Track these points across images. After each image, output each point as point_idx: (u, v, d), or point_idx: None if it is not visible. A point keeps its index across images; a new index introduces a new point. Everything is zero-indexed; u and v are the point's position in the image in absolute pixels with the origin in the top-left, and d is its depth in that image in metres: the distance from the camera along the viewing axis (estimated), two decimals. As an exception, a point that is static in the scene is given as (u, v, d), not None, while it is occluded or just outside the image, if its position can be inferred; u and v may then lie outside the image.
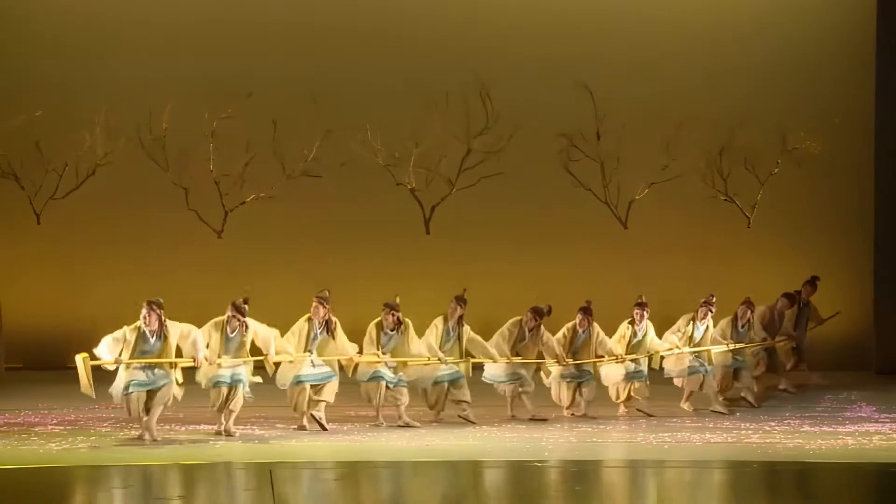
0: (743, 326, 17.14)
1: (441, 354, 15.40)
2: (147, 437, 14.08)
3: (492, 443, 14.09)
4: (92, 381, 13.90)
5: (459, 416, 15.48)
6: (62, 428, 14.75)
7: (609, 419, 15.79)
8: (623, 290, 20.69)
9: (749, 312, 17.15)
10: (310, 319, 15.06)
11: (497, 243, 21.15)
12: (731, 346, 16.94)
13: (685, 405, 16.62)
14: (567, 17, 21.32)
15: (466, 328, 15.66)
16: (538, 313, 15.96)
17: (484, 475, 12.61)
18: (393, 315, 15.26)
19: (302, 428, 14.85)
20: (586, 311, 16.18)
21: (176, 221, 20.79)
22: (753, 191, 21.20)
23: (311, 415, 14.89)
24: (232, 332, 14.63)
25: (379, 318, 15.37)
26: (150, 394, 14.16)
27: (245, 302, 14.76)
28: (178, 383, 14.31)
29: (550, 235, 21.11)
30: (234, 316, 14.62)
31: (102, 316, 20.04)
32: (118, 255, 20.98)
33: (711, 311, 16.73)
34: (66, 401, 16.61)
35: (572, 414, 16.03)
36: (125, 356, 14.05)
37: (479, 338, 15.72)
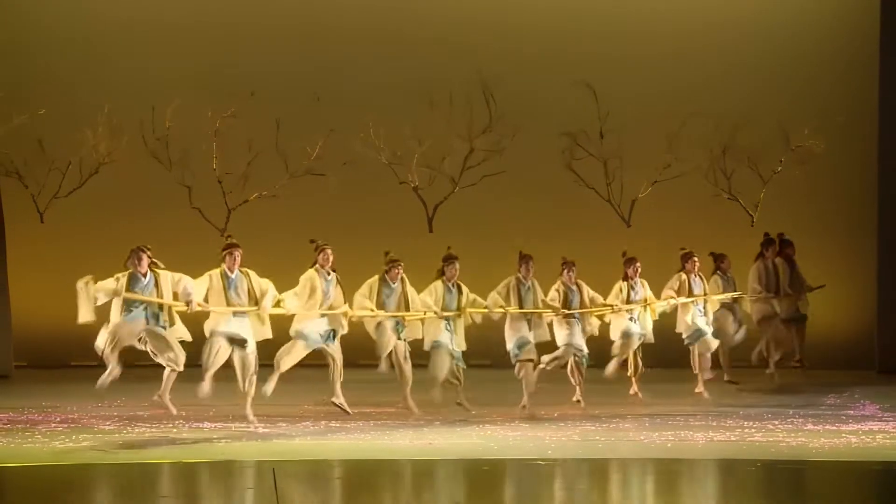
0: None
1: (437, 309, 15.50)
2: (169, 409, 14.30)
3: (495, 441, 14.09)
4: (93, 308, 14.06)
5: (457, 403, 15.58)
6: (65, 426, 14.76)
7: (612, 417, 15.78)
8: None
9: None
10: (317, 271, 15.19)
11: (500, 242, 21.14)
12: (733, 295, 17.25)
13: (702, 390, 16.85)
14: (570, 16, 21.33)
15: (463, 287, 15.74)
16: (529, 259, 16.01)
17: (487, 473, 12.60)
18: (399, 267, 15.36)
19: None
20: (567, 264, 16.20)
21: (179, 220, 20.79)
22: (756, 189, 21.20)
23: (332, 402, 15.06)
24: (232, 273, 14.73)
25: (378, 275, 15.42)
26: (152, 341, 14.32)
27: (231, 237, 14.91)
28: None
29: (553, 234, 21.10)
30: (228, 252, 14.67)
31: (105, 314, 20.08)
32: (121, 254, 20.91)
33: (696, 265, 16.97)
34: (69, 399, 16.63)
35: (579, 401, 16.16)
36: (118, 304, 14.19)
37: (476, 297, 15.88)
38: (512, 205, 21.10)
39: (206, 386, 14.82)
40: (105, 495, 11.82)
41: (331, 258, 15.35)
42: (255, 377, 14.90)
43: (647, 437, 14.28)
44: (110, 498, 11.71)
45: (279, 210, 20.72)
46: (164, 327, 14.65)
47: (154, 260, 14.82)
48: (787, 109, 21.05)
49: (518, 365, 15.93)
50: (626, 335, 16.65)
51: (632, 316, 16.69)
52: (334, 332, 15.29)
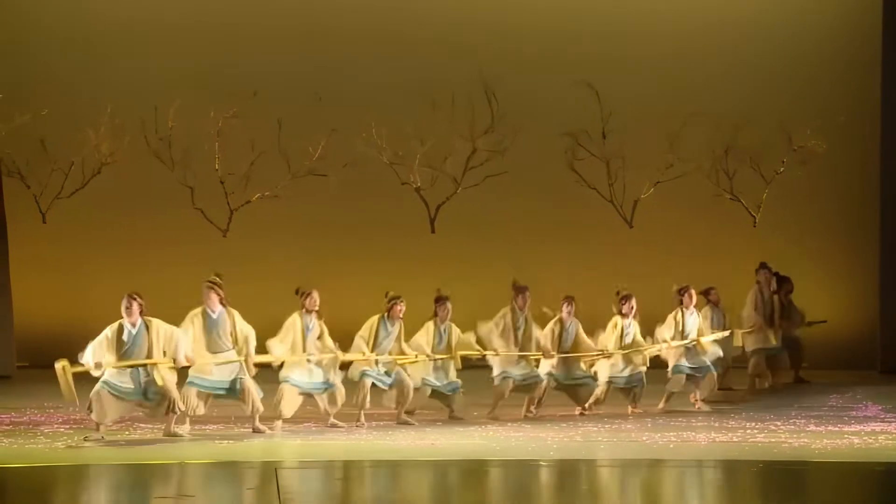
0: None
1: (429, 351, 15.43)
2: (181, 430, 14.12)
3: (497, 442, 14.09)
4: (74, 389, 13.83)
5: (450, 417, 15.60)
6: (68, 427, 14.76)
7: (615, 418, 15.78)
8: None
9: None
10: (300, 317, 14.95)
11: (502, 242, 21.16)
12: (723, 335, 17.21)
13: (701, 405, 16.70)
14: (572, 17, 21.33)
15: (454, 328, 15.66)
16: (524, 291, 15.93)
17: (489, 474, 12.60)
18: (400, 304, 15.28)
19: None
20: (570, 300, 16.12)
21: (181, 220, 20.81)
22: (759, 190, 21.20)
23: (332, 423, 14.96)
24: (214, 314, 14.47)
25: (379, 314, 15.30)
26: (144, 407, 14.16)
27: (218, 276, 14.67)
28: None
29: (555, 234, 21.11)
30: (212, 292, 14.43)
31: (108, 314, 19.99)
32: (123, 254, 21.01)
33: (693, 299, 16.74)
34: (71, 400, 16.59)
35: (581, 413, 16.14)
36: (110, 360, 13.94)
37: (466, 337, 15.73)
38: (514, 205, 21.10)
39: (186, 428, 14.50)
40: (107, 496, 11.82)
41: (317, 301, 15.05)
42: (258, 401, 14.63)
43: (649, 438, 14.27)
44: (113, 499, 11.71)
45: (281, 210, 20.74)
46: (154, 399, 14.18)
47: (142, 304, 14.28)
48: (788, 109, 21.05)
49: (500, 381, 15.88)
50: (610, 382, 16.41)
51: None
52: (326, 381, 15.01)
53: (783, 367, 18.83)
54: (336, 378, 14.96)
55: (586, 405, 16.16)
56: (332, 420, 14.91)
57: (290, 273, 20.96)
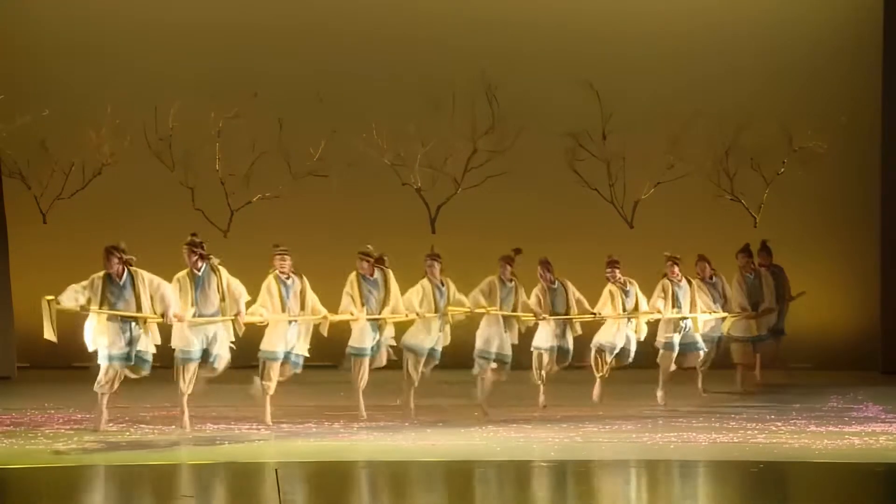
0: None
1: (419, 309, 15.43)
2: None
3: (498, 442, 14.09)
4: (55, 327, 13.80)
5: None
6: (69, 427, 14.76)
7: (615, 419, 15.78)
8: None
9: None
10: (276, 277, 14.84)
11: (503, 243, 21.12)
12: (717, 315, 17.42)
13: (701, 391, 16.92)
14: (573, 18, 21.32)
15: (450, 285, 15.67)
16: (510, 260, 15.98)
17: (490, 475, 12.60)
18: (367, 262, 15.24)
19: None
20: (545, 263, 16.14)
21: (182, 221, 20.76)
22: (759, 190, 21.20)
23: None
24: (199, 271, 14.43)
25: (356, 269, 15.35)
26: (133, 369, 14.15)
27: (194, 235, 14.64)
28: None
29: (556, 235, 21.09)
30: (192, 252, 14.43)
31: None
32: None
33: (678, 265, 16.84)
34: (72, 400, 16.62)
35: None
36: (94, 306, 13.85)
37: (462, 297, 15.83)
38: (514, 206, 21.09)
39: (186, 422, 14.52)
40: (108, 497, 11.82)
41: (287, 263, 14.92)
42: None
43: (649, 439, 14.27)
44: (113, 499, 11.71)
45: (282, 211, 20.73)
46: (144, 361, 14.23)
47: (129, 259, 14.27)
48: (789, 110, 21.04)
49: (478, 367, 15.91)
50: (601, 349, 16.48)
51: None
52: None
53: (770, 355, 18.84)
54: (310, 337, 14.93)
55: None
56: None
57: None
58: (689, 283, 17.22)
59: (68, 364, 19.58)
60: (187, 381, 14.32)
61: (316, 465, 12.94)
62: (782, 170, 21.13)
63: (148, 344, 14.17)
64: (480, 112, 20.76)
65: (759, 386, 18.43)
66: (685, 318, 16.95)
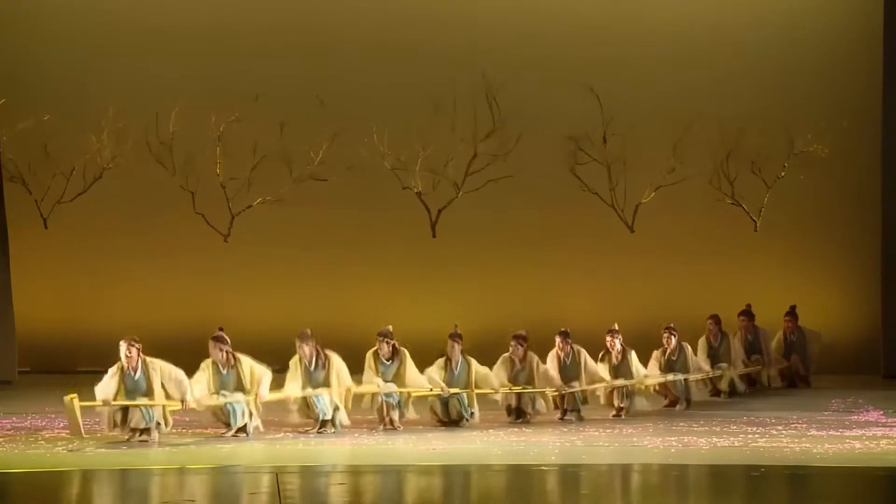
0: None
1: (443, 384, 15.35)
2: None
3: (498, 446, 14.09)
4: (81, 422, 13.87)
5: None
6: (68, 433, 14.74)
7: (616, 423, 15.79)
8: (629, 293, 20.76)
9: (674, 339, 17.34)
10: (300, 360, 14.98)
11: (503, 246, 21.16)
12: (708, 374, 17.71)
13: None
14: (574, 21, 21.33)
15: (473, 362, 15.61)
16: (521, 339, 15.94)
17: (490, 479, 12.60)
18: (387, 343, 15.22)
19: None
20: (564, 335, 16.16)
21: (183, 225, 20.82)
22: (760, 194, 21.19)
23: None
24: (223, 369, 14.55)
25: (375, 348, 15.30)
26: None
27: (220, 330, 14.70)
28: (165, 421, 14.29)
29: (557, 239, 21.11)
30: (216, 347, 14.53)
31: (109, 319, 20.11)
32: (125, 259, 21.02)
33: (674, 335, 17.03)
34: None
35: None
36: (112, 394, 14.02)
37: (485, 370, 15.68)
38: (515, 209, 21.10)
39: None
40: (108, 501, 11.82)
41: (306, 351, 14.95)
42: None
43: (650, 443, 14.27)
44: None
45: (283, 215, 20.74)
46: (158, 426, 14.28)
47: (139, 348, 14.34)
48: (790, 114, 21.04)
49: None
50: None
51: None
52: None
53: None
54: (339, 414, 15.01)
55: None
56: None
57: (292, 277, 21.05)
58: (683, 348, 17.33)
59: (69, 368, 19.62)
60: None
61: (316, 469, 12.95)
62: (783, 174, 21.13)
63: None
64: (481, 116, 20.77)
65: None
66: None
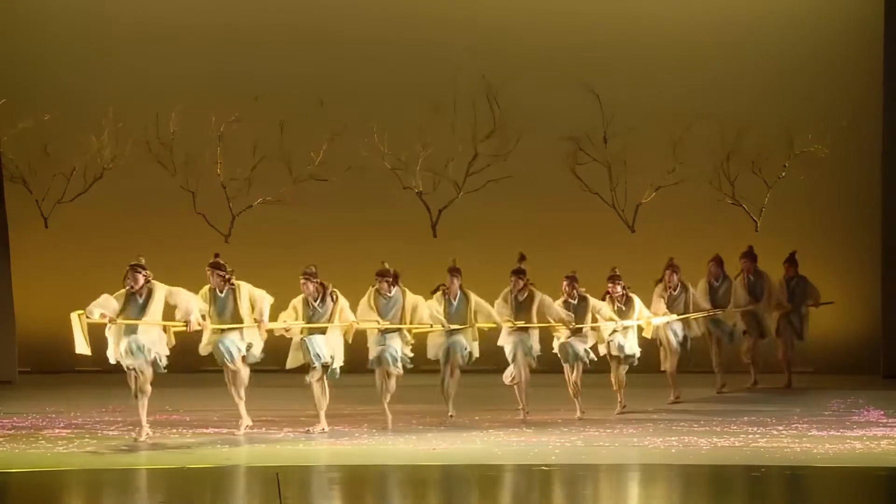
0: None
1: (443, 320, 15.41)
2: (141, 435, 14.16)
3: (499, 447, 14.08)
4: (88, 339, 13.87)
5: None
6: (69, 431, 14.77)
7: (616, 423, 15.79)
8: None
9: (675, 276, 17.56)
10: (305, 300, 14.95)
11: (504, 246, 21.14)
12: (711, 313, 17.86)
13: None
14: (574, 21, 21.33)
15: (472, 295, 15.64)
16: (520, 273, 15.94)
17: (490, 479, 12.60)
18: (387, 283, 15.24)
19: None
20: (571, 279, 16.14)
21: (183, 225, 20.81)
22: (761, 194, 21.19)
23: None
24: (220, 292, 14.53)
25: (375, 286, 15.27)
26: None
27: (217, 256, 14.71)
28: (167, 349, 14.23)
29: (557, 238, 21.10)
30: (213, 273, 14.53)
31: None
32: (125, 260, 20.87)
33: (676, 272, 17.20)
34: (73, 404, 16.64)
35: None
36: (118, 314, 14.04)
37: (484, 303, 15.72)
38: (516, 209, 21.10)
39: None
40: (109, 501, 11.82)
41: (310, 287, 14.95)
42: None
43: (650, 443, 14.27)
44: None
45: (283, 215, 20.73)
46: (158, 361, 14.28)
47: (147, 274, 14.37)
48: (790, 114, 21.03)
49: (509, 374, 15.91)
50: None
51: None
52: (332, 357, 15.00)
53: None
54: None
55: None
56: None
57: (292, 277, 21.01)
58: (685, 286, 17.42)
59: (69, 368, 19.62)
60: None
61: (316, 469, 12.95)
62: (783, 174, 21.12)
63: (162, 347, 14.23)
64: (481, 116, 20.76)
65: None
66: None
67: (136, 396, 14.16)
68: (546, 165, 20.95)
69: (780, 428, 15.26)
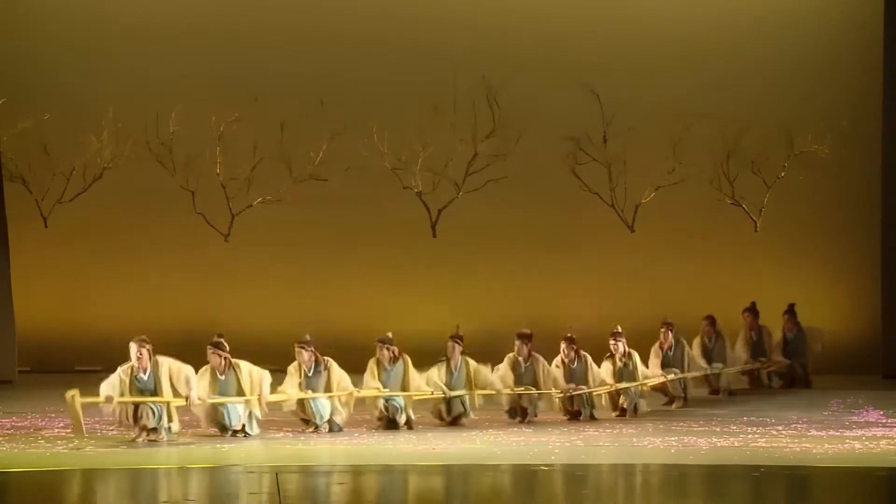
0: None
1: (444, 387, 15.38)
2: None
3: (498, 447, 14.09)
4: (83, 420, 13.87)
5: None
6: (69, 431, 14.75)
7: (616, 423, 15.80)
8: (629, 293, 20.75)
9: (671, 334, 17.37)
10: (299, 365, 14.98)
11: (503, 246, 21.16)
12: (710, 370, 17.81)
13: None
14: (574, 21, 21.33)
15: (471, 362, 15.62)
16: (525, 338, 15.94)
17: (490, 479, 12.60)
18: (388, 350, 15.22)
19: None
20: (570, 340, 16.15)
21: (183, 225, 20.82)
22: (760, 194, 21.18)
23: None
24: (221, 374, 14.55)
25: (376, 355, 15.29)
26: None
27: (220, 336, 14.70)
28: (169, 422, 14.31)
29: (557, 239, 21.11)
30: (214, 353, 14.53)
31: (109, 319, 20.12)
32: (125, 259, 21.03)
33: (671, 330, 17.18)
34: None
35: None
36: (120, 394, 14.03)
37: (484, 370, 15.70)
38: (515, 210, 21.10)
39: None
40: (108, 500, 11.83)
41: (305, 356, 14.93)
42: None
43: (650, 443, 14.27)
44: (114, 503, 11.71)
45: (283, 215, 20.74)
46: (169, 429, 14.33)
47: (150, 348, 14.37)
48: (790, 114, 21.03)
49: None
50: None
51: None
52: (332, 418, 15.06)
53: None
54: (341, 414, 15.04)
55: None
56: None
57: (292, 278, 21.04)
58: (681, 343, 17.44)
59: (69, 368, 19.61)
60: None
61: (316, 469, 12.95)
62: (783, 174, 21.12)
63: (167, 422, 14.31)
64: (481, 116, 20.75)
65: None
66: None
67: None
68: (546, 165, 20.95)
69: (780, 428, 15.26)
